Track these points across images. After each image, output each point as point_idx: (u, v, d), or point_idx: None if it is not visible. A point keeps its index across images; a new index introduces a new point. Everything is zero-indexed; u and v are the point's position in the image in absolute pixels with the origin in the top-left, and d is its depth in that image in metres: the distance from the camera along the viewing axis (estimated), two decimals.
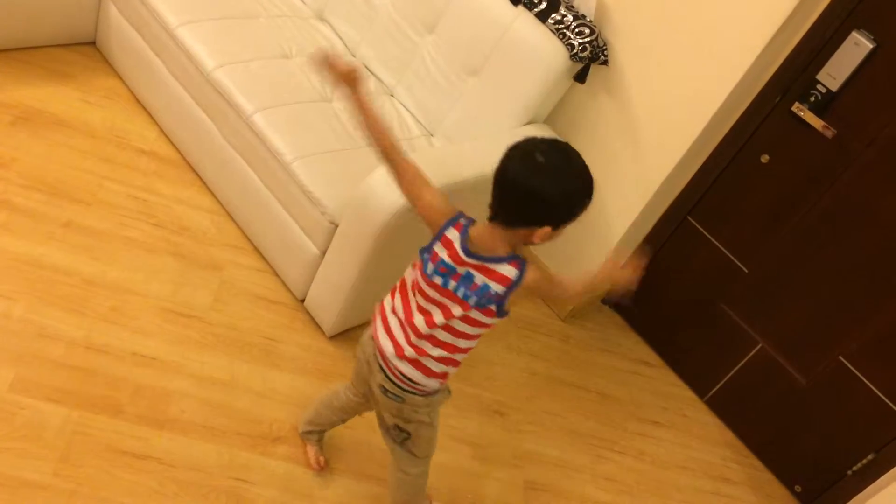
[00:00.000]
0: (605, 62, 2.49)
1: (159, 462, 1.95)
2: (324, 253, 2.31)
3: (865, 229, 2.40)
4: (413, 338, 1.61)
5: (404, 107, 2.73)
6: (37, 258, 2.22)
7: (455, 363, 1.67)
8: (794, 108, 2.41)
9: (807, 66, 2.35)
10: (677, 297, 2.92)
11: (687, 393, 2.98)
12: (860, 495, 2.52)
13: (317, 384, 2.30)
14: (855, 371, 2.53)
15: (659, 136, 2.51)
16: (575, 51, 2.39)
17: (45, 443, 1.87)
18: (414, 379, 1.64)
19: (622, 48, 2.49)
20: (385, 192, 2.06)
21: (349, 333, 2.47)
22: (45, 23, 2.78)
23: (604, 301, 3.13)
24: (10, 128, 2.53)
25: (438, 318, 1.57)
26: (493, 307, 1.53)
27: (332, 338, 2.45)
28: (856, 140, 2.34)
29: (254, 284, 2.47)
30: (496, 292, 1.50)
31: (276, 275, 2.53)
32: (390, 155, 1.62)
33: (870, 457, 2.56)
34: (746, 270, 2.70)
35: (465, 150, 2.36)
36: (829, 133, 2.37)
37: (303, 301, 2.47)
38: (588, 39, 2.40)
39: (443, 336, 1.59)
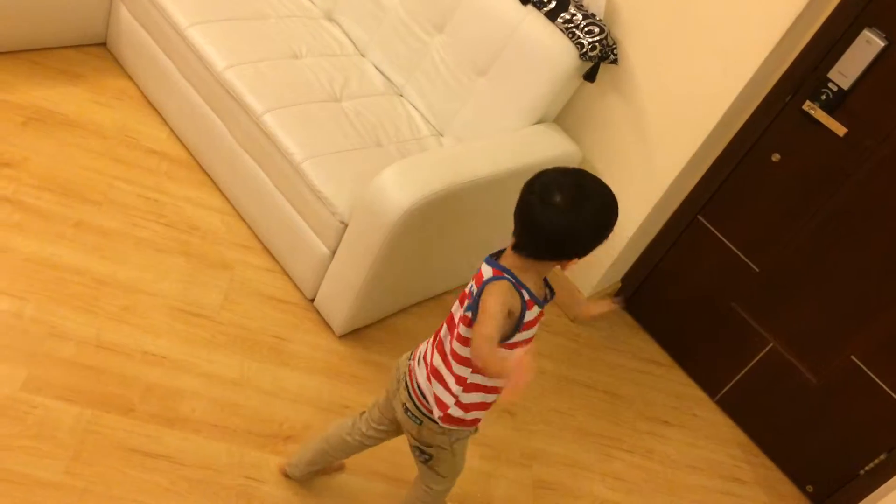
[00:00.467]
0: (615, 61, 2.48)
1: (170, 461, 1.96)
2: (334, 252, 2.32)
3: (877, 228, 2.39)
4: (435, 352, 1.60)
5: (414, 107, 2.73)
6: (48, 258, 2.24)
7: (461, 405, 1.61)
8: (805, 107, 2.40)
9: (818, 65, 2.34)
10: (687, 297, 2.91)
11: (697, 392, 2.97)
12: (872, 495, 2.50)
13: (327, 383, 2.30)
14: (867, 371, 2.52)
15: (669, 135, 2.50)
16: (584, 50, 2.38)
17: (57, 442, 1.88)
18: (425, 393, 1.63)
19: (632, 47, 2.48)
20: (395, 192, 2.07)
21: (359, 333, 2.48)
22: (56, 24, 2.80)
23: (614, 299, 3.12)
24: (22, 128, 2.55)
25: (448, 338, 1.56)
26: (470, 314, 1.49)
27: (342, 337, 2.45)
28: (867, 138, 2.33)
29: (264, 284, 2.48)
30: (471, 291, 1.49)
31: (286, 274, 2.53)
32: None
33: (882, 456, 2.54)
34: (757, 269, 2.69)
35: (474, 149, 2.36)
36: (841, 131, 2.36)
37: (312, 301, 2.48)
38: (598, 38, 2.39)
39: (452, 358, 1.57)
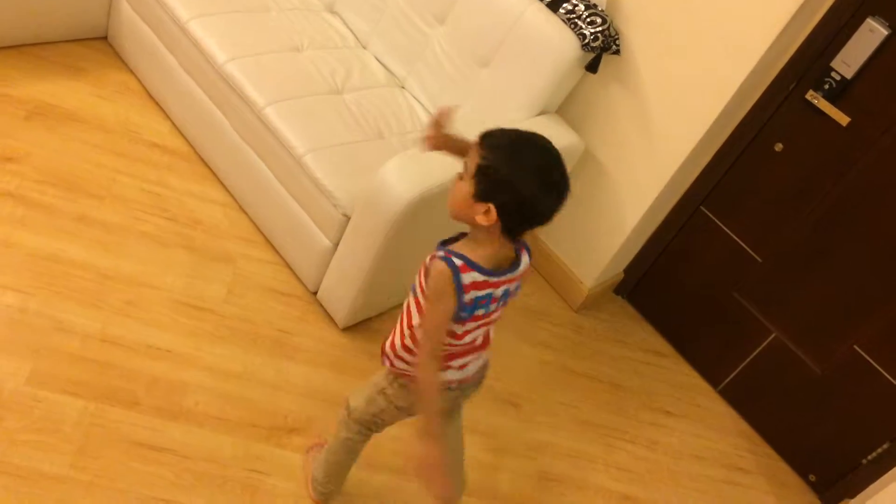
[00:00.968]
0: (618, 52, 2.47)
1: (175, 453, 1.97)
2: (336, 245, 2.32)
3: (880, 217, 2.39)
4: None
5: (415, 98, 2.73)
6: (52, 252, 2.24)
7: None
8: (808, 96, 2.39)
9: (821, 54, 2.33)
10: (690, 287, 2.91)
11: (700, 383, 2.97)
12: (875, 484, 2.51)
13: (330, 376, 2.31)
14: (870, 360, 2.52)
15: (671, 125, 2.49)
16: (587, 40, 2.38)
17: (62, 435, 1.89)
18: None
19: (634, 37, 2.47)
20: (397, 184, 2.07)
21: (362, 325, 2.48)
22: (58, 18, 2.80)
23: (616, 291, 3.13)
24: (25, 123, 2.55)
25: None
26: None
27: (345, 330, 2.45)
28: (871, 128, 2.32)
29: (266, 277, 2.48)
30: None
31: (289, 267, 2.54)
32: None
33: (885, 446, 2.55)
34: (760, 260, 2.69)
35: None
36: (844, 121, 2.35)
37: (315, 293, 2.48)
38: (600, 29, 2.38)
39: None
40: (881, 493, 2.38)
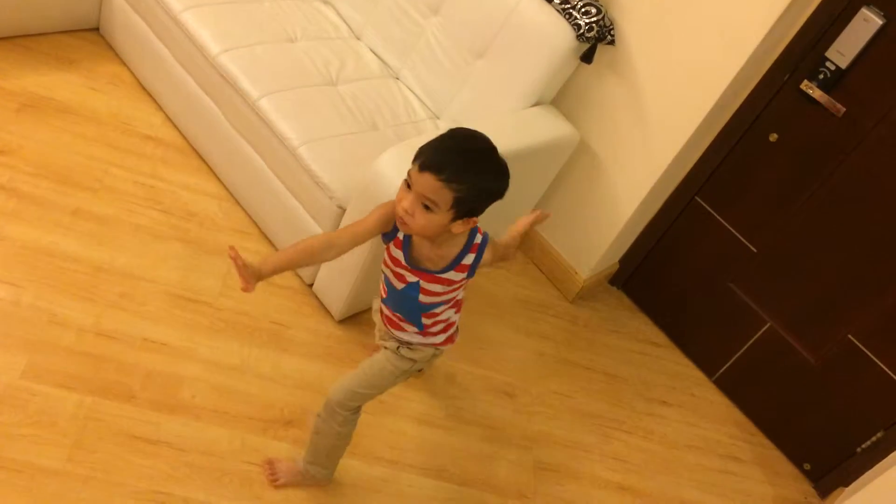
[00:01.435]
0: (612, 42, 2.47)
1: (171, 447, 1.97)
2: None
3: (875, 207, 2.39)
4: None
5: (410, 90, 2.72)
6: (45, 246, 2.23)
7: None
8: (802, 86, 2.39)
9: (815, 44, 2.33)
10: (685, 278, 2.92)
11: (695, 372, 2.98)
12: (869, 473, 2.52)
13: (326, 368, 2.31)
14: (864, 349, 2.53)
15: (666, 116, 2.49)
16: (581, 31, 2.37)
17: (58, 429, 1.89)
18: None
19: (629, 28, 2.47)
20: (392, 176, 2.06)
21: (358, 317, 2.48)
22: (49, 10, 2.77)
23: (611, 282, 3.13)
24: (16, 115, 2.53)
25: None
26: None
27: (341, 322, 2.45)
28: (865, 118, 2.32)
29: None
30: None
31: None
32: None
33: (879, 434, 2.56)
34: (755, 250, 2.70)
35: None
36: (839, 111, 2.36)
37: (311, 286, 2.48)
38: (594, 19, 2.38)
39: None
40: (875, 481, 2.39)
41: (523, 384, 2.60)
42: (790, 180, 2.54)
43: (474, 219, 1.53)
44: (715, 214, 2.75)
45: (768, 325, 2.74)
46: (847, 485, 2.61)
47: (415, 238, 1.60)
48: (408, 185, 1.48)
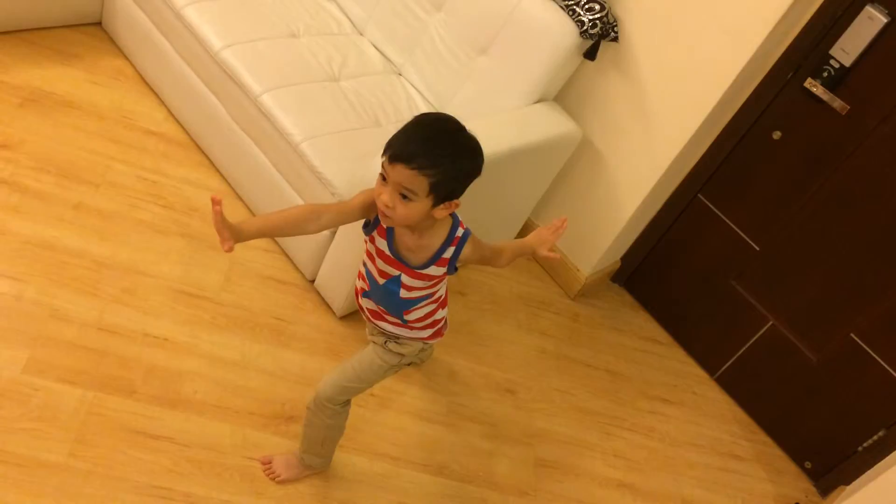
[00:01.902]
0: (616, 39, 2.46)
1: (173, 442, 1.97)
2: (333, 234, 2.31)
3: (878, 205, 2.39)
4: None
5: (413, 86, 2.71)
6: (48, 240, 2.23)
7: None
8: (806, 84, 2.39)
9: (820, 41, 2.32)
10: (687, 275, 2.91)
11: (697, 370, 2.98)
12: (870, 472, 2.52)
13: (327, 364, 2.30)
14: (866, 348, 2.53)
15: (669, 113, 2.49)
16: (585, 27, 2.37)
17: (60, 423, 1.89)
18: None
19: (633, 24, 2.46)
20: None
21: (359, 314, 2.46)
22: (51, 4, 2.77)
23: (613, 279, 3.13)
24: (19, 109, 2.53)
25: None
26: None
27: (343, 318, 2.45)
28: (869, 116, 2.32)
29: (264, 265, 2.47)
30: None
31: (286, 255, 2.53)
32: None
33: (880, 433, 2.56)
34: (757, 248, 2.69)
35: (474, 129, 2.33)
36: (843, 109, 2.35)
37: (313, 282, 2.47)
38: (598, 16, 2.37)
39: None
40: (876, 480, 2.39)
41: (524, 381, 2.60)
42: (793, 178, 2.53)
43: (455, 202, 1.52)
44: (718, 212, 2.74)
45: (770, 323, 2.74)
46: (848, 483, 2.61)
47: (397, 228, 1.60)
48: (383, 177, 1.47)
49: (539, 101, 2.52)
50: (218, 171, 2.67)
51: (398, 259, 1.63)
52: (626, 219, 2.72)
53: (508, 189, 2.56)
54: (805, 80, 2.38)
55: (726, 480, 2.64)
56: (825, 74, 2.34)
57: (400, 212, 1.47)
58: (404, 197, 1.45)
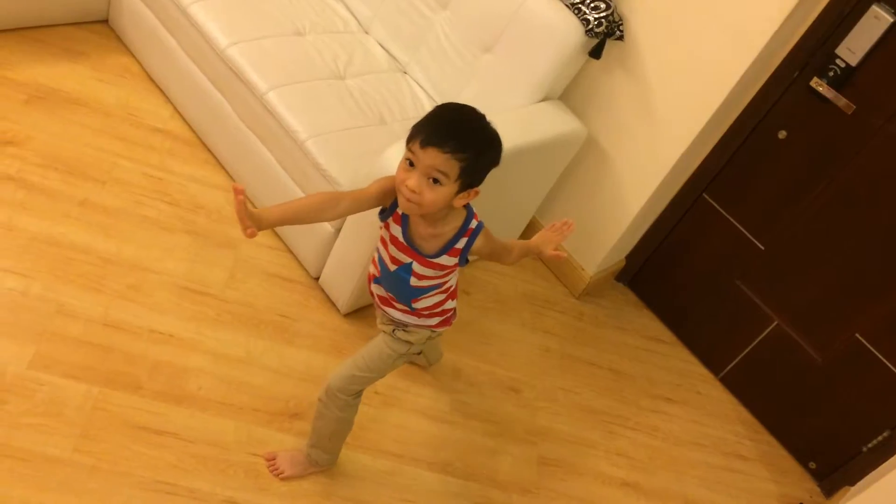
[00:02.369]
0: (621, 37, 2.46)
1: (177, 438, 1.97)
2: (338, 231, 2.32)
3: (884, 205, 2.38)
4: None
5: (418, 84, 2.72)
6: (54, 236, 2.24)
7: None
8: (812, 83, 2.38)
9: (826, 41, 2.32)
10: (692, 274, 2.91)
11: (701, 370, 2.98)
12: (875, 472, 2.51)
13: (332, 361, 2.31)
14: (871, 348, 2.52)
15: (675, 112, 2.48)
16: (590, 26, 2.36)
17: (65, 419, 1.89)
18: None
19: (638, 23, 2.46)
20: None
21: (364, 311, 2.48)
22: (58, 1, 2.78)
23: (617, 278, 3.13)
24: (25, 106, 2.54)
25: None
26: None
27: (347, 315, 2.46)
28: (875, 115, 2.31)
29: (268, 262, 2.48)
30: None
31: (291, 253, 2.53)
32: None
33: (885, 434, 2.55)
34: (762, 247, 2.69)
35: None
36: (848, 108, 2.35)
37: (317, 279, 2.48)
38: (604, 14, 2.37)
39: None
40: (881, 481, 2.38)
41: (528, 379, 2.60)
42: (799, 178, 2.53)
43: (475, 190, 1.56)
44: (722, 211, 2.74)
45: (775, 323, 2.73)
46: (853, 484, 2.60)
47: (413, 216, 1.62)
48: (409, 163, 1.49)
49: (544, 99, 2.52)
50: (223, 168, 2.68)
51: (411, 247, 1.65)
52: (631, 218, 2.72)
53: (513, 187, 2.56)
54: (811, 79, 2.38)
55: (730, 480, 2.64)
56: (831, 74, 2.34)
57: (427, 197, 1.49)
58: (435, 181, 1.48)
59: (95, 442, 1.88)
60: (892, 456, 2.47)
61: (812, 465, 2.77)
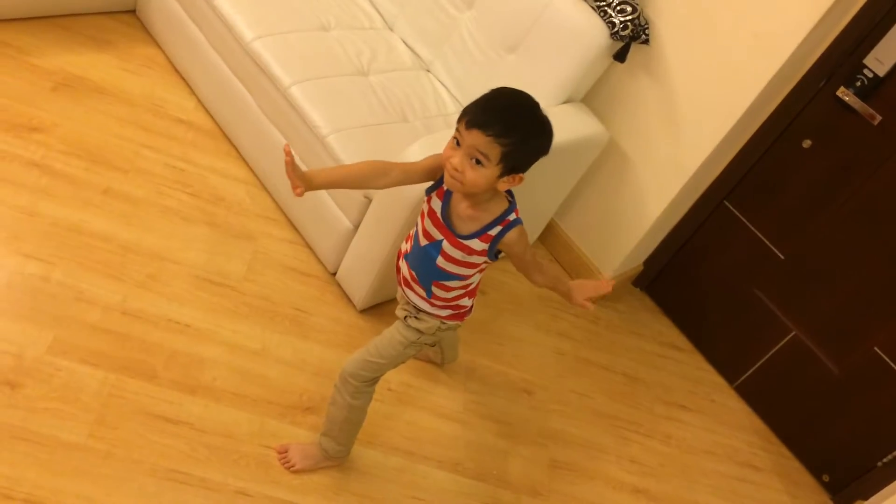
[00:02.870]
0: (647, 41, 2.45)
1: (191, 427, 1.99)
2: (356, 227, 2.32)
3: None
4: None
5: (441, 83, 2.72)
6: (75, 223, 2.26)
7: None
8: (839, 93, 2.36)
9: (854, 50, 2.30)
10: (710, 282, 2.89)
11: (716, 378, 2.96)
12: (889, 487, 2.49)
13: (346, 357, 2.28)
14: (890, 362, 2.50)
15: (698, 118, 2.47)
16: (616, 29, 2.35)
17: (81, 404, 1.91)
18: None
19: (664, 27, 2.44)
20: None
21: (380, 308, 2.49)
22: None
23: (635, 283, 3.11)
24: (52, 94, 2.56)
25: None
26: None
27: (363, 311, 2.46)
28: None
29: (286, 256, 2.49)
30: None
31: (309, 247, 2.54)
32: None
33: None
34: (782, 257, 2.67)
35: None
36: (875, 119, 2.32)
37: (334, 274, 2.49)
38: (629, 17, 2.36)
39: None
40: (895, 496, 2.36)
41: (541, 382, 2.59)
42: (822, 187, 2.50)
43: (519, 175, 1.58)
44: (743, 219, 2.72)
45: (793, 333, 2.71)
46: (866, 498, 2.58)
47: (455, 194, 1.64)
48: (456, 142, 1.53)
49: (567, 101, 2.51)
50: (245, 161, 2.69)
51: (447, 224, 1.67)
52: (651, 223, 2.70)
53: (533, 189, 2.54)
54: (838, 88, 2.36)
55: (742, 490, 2.62)
56: (858, 84, 2.31)
57: (469, 176, 1.53)
58: (477, 162, 1.51)
59: (110, 428, 1.90)
60: None
61: (825, 477, 2.75)
